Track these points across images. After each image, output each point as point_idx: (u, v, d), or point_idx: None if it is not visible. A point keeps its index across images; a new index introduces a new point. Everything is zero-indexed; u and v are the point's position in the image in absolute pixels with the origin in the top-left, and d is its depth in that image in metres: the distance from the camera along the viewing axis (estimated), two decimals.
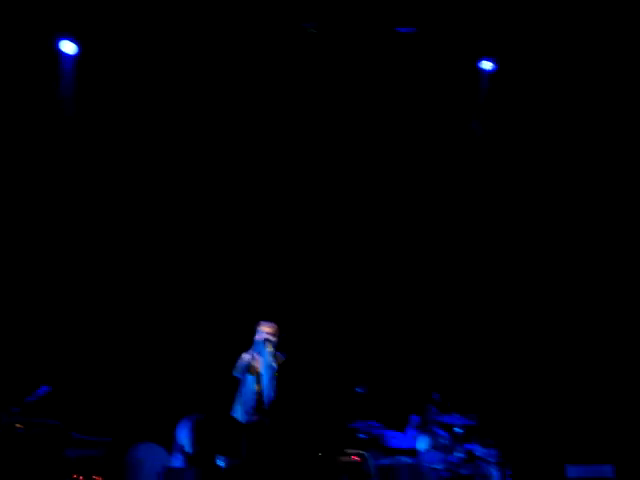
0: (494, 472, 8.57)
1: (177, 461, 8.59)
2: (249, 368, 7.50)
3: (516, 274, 10.00)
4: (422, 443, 8.79)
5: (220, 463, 8.48)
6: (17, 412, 7.61)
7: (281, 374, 7.55)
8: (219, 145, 9.94)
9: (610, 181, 9.86)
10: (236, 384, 7.61)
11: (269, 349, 7.51)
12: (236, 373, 7.47)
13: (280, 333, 7.70)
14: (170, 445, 8.67)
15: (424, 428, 8.91)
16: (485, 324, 10.04)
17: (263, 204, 10.06)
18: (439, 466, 8.53)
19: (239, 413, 7.49)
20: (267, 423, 7.36)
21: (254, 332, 7.67)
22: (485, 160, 10.00)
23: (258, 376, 7.48)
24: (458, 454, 8.57)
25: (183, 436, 8.64)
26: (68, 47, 9.52)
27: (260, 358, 7.55)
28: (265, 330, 7.63)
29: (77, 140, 9.68)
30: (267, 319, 7.79)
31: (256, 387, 7.44)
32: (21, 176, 9.61)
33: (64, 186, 9.72)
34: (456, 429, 8.77)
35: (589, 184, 9.89)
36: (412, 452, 8.77)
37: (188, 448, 8.55)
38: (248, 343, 7.64)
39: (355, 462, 8.21)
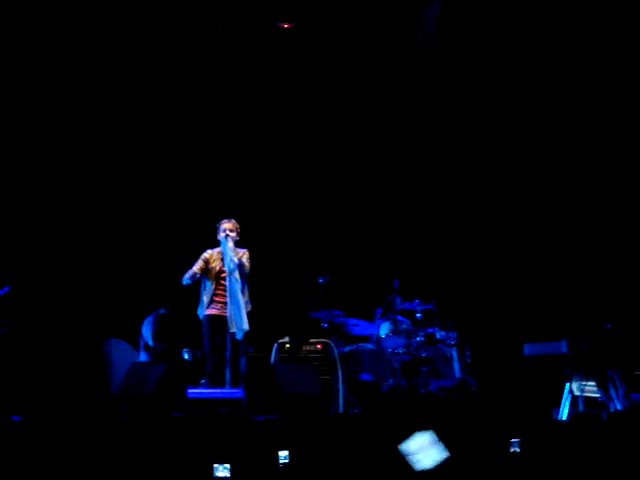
0: (454, 353, 8.84)
1: (143, 356, 8.75)
2: (206, 264, 7.56)
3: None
4: (384, 329, 8.99)
5: (185, 356, 8.66)
6: None
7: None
8: None
9: None
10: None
11: (230, 244, 7.52)
12: (184, 280, 7.56)
13: (240, 229, 7.71)
14: (136, 341, 8.82)
15: (386, 315, 9.10)
16: (442, 206, 10.16)
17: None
18: (401, 350, 8.76)
19: (200, 311, 7.56)
20: (226, 316, 7.40)
21: (216, 231, 7.68)
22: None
23: (217, 271, 7.53)
24: (419, 338, 8.79)
25: (146, 331, 8.78)
26: None
27: (222, 254, 7.57)
28: (225, 227, 7.64)
29: None
30: (228, 216, 7.79)
31: (213, 285, 7.50)
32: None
33: None
34: (417, 314, 8.98)
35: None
36: (374, 338, 8.98)
37: (152, 343, 8.69)
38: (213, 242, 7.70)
39: (319, 350, 8.35)
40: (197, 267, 7.57)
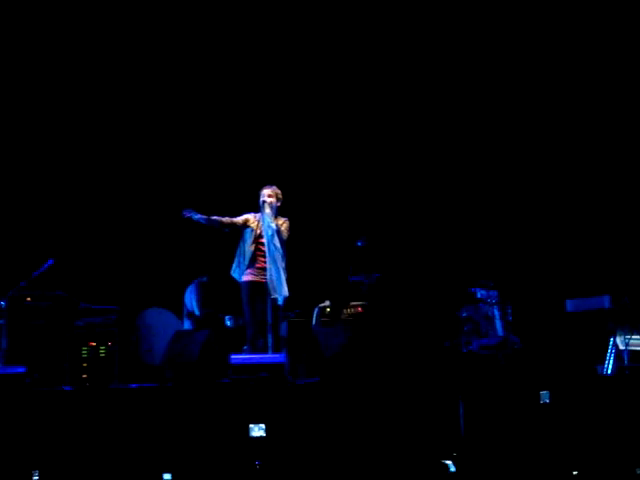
0: (496, 312, 8.80)
1: (186, 324, 8.87)
2: (245, 222, 7.56)
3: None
4: None
5: (228, 323, 8.75)
6: (25, 286, 7.77)
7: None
8: None
9: None
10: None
11: (267, 210, 7.52)
12: (225, 229, 7.50)
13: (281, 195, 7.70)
14: (179, 310, 8.93)
15: None
16: (478, 168, 10.07)
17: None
18: None
19: (237, 272, 7.56)
20: (266, 284, 7.42)
21: (258, 197, 7.69)
22: None
23: (256, 235, 7.52)
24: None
25: (190, 299, 8.87)
26: None
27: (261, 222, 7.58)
28: (265, 193, 7.63)
29: None
30: (269, 183, 7.80)
31: (251, 248, 7.50)
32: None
33: None
34: None
35: None
36: None
37: (195, 310, 8.79)
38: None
39: (359, 313, 8.38)
40: (236, 219, 7.53)
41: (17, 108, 9.67)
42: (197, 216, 7.36)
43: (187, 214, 7.37)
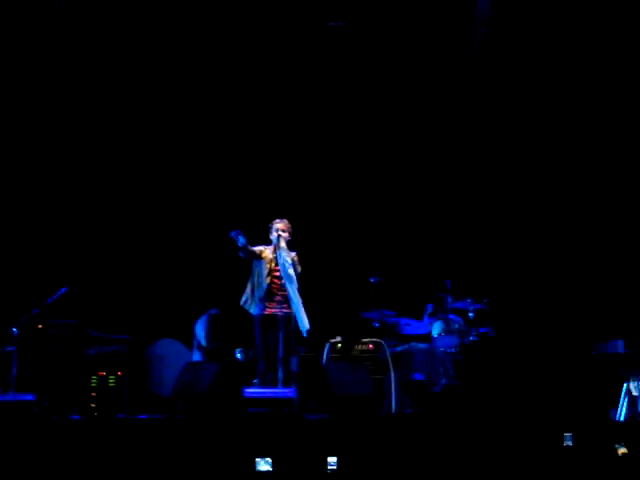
0: None
1: (197, 356, 8.84)
2: (261, 253, 7.57)
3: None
4: (436, 329, 8.93)
5: (238, 356, 8.72)
6: (38, 313, 7.79)
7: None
8: None
9: None
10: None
11: (282, 244, 7.55)
12: (241, 252, 7.44)
13: (292, 229, 7.74)
14: (189, 341, 8.91)
15: (438, 314, 9.04)
16: (495, 210, 10.05)
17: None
18: (453, 350, 8.69)
19: (249, 304, 7.55)
20: (279, 316, 7.44)
21: (269, 231, 7.72)
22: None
23: (270, 268, 7.53)
24: (472, 337, 8.71)
25: (200, 331, 8.85)
26: None
27: (275, 254, 7.59)
28: (278, 227, 7.67)
29: None
30: (279, 216, 7.83)
31: (265, 282, 7.50)
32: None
33: None
34: (469, 314, 8.90)
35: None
36: (426, 338, 8.92)
37: (205, 343, 8.76)
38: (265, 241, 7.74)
39: (371, 350, 8.34)
40: (255, 248, 7.51)
41: (38, 132, 9.73)
42: (242, 241, 7.31)
43: (235, 235, 7.31)
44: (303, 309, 7.39)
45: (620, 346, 7.63)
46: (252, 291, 7.54)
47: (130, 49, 9.58)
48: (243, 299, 7.57)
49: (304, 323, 7.36)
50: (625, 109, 9.66)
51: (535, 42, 9.56)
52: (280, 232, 7.61)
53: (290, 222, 7.76)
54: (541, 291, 9.64)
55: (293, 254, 7.62)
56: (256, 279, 7.55)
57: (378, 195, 10.11)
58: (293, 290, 7.37)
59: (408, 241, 10.01)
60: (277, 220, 7.74)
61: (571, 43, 9.50)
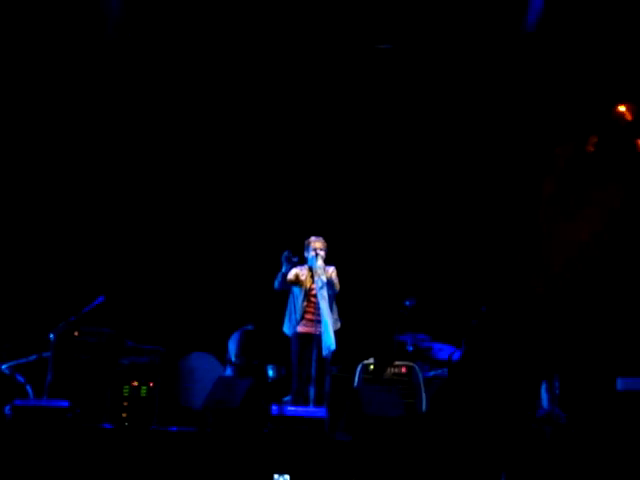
0: (542, 384, 8.62)
1: (229, 371, 8.86)
2: (296, 280, 7.58)
3: None
4: None
5: (270, 373, 8.73)
6: (74, 321, 7.87)
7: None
8: None
9: None
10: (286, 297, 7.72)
11: (319, 262, 7.55)
12: (276, 284, 7.52)
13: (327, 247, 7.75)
14: (222, 356, 8.94)
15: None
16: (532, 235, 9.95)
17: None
18: None
19: (287, 327, 7.60)
20: (315, 335, 7.43)
21: (304, 248, 7.74)
22: None
23: (306, 289, 7.55)
24: None
25: (233, 346, 8.88)
26: None
27: (312, 272, 7.60)
28: (315, 245, 7.68)
29: None
30: (316, 234, 7.85)
31: (303, 302, 7.51)
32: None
33: None
34: None
35: None
36: None
37: (236, 358, 8.79)
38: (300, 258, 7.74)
39: (403, 373, 8.29)
40: (290, 273, 7.54)
41: (69, 146, 9.78)
42: (285, 269, 7.42)
43: (288, 256, 7.40)
44: (333, 328, 7.37)
45: None
46: (290, 315, 7.59)
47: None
48: (285, 324, 7.66)
49: (328, 343, 7.31)
50: None
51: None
52: (318, 251, 7.62)
53: (325, 240, 7.78)
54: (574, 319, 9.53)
55: (331, 269, 7.61)
56: (295, 304, 7.59)
57: (415, 218, 10.09)
58: (326, 308, 7.35)
59: (444, 265, 9.96)
60: (313, 238, 7.75)
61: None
